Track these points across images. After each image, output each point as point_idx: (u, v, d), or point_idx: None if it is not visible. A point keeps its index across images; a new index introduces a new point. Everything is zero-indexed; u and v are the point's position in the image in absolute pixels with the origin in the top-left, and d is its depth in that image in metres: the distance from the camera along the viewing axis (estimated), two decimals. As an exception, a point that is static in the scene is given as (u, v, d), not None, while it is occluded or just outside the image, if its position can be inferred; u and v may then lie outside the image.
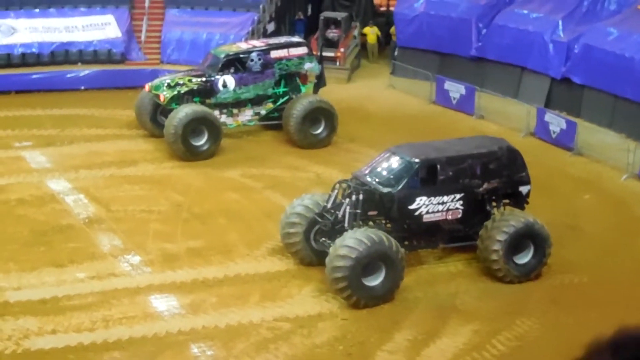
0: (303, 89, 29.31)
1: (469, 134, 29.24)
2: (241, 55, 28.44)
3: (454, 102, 32.55)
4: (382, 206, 19.45)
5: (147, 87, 28.41)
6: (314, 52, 30.29)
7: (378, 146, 23.20)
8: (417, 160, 19.48)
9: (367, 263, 18.12)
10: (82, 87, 34.03)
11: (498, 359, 16.81)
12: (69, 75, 34.12)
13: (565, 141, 28.16)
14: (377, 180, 19.57)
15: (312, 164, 26.79)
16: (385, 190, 19.28)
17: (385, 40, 40.49)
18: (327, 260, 18.33)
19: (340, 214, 19.26)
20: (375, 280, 18.35)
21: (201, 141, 26.90)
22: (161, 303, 18.61)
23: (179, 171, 26.15)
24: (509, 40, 33.66)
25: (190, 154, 26.68)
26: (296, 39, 31.10)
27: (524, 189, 20.44)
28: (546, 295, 19.29)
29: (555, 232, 20.17)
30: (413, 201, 19.23)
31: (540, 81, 32.60)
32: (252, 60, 28.35)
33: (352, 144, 28.41)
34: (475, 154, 19.96)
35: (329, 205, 19.62)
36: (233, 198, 24.24)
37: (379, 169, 19.90)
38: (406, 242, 19.58)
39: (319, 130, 28.37)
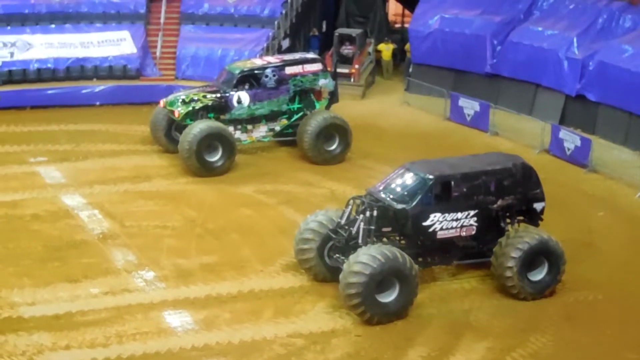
0: (317, 105, 29.34)
1: (483, 151, 29.20)
2: (256, 72, 28.51)
3: (469, 118, 32.52)
4: (396, 222, 19.43)
5: (161, 102, 28.51)
6: (329, 69, 30.33)
7: (392, 162, 23.18)
8: (431, 176, 19.47)
9: (381, 279, 18.09)
10: (98, 103, 34.17)
11: (512, 376, 16.76)
12: (84, 91, 34.26)
13: (579, 158, 28.10)
14: (391, 196, 19.56)
15: (326, 180, 26.78)
16: (400, 206, 19.27)
17: (400, 57, 40.53)
18: (340, 276, 18.31)
19: (354, 230, 19.26)
20: (389, 297, 18.32)
21: (215, 157, 26.95)
22: (175, 319, 18.59)
23: (193, 187, 26.19)
24: (523, 57, 33.64)
25: (204, 170, 26.72)
26: (311, 55, 31.17)
27: (538, 206, 20.39)
28: (560, 312, 19.20)
29: (569, 249, 20.12)
30: (427, 218, 19.21)
31: (555, 98, 32.56)
32: (266, 76, 28.42)
33: (366, 160, 28.37)
34: (490, 171, 19.93)
35: (342, 222, 19.62)
36: (247, 214, 24.25)
37: (393, 185, 19.89)
38: (420, 259, 19.54)
39: (333, 147, 28.38)
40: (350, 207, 19.76)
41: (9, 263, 20.87)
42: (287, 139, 29.16)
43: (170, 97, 28.46)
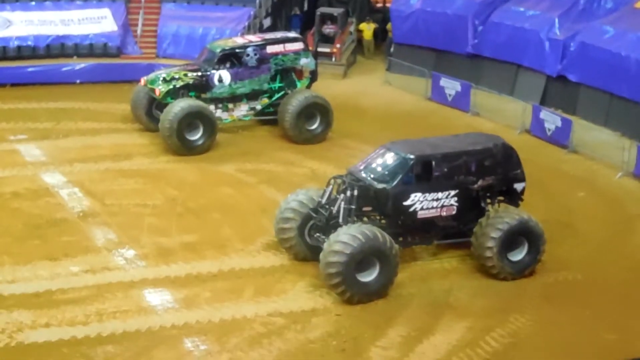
0: (299, 85, 29.28)
1: (464, 131, 29.24)
2: (237, 50, 28.41)
3: (450, 98, 32.55)
4: (377, 202, 19.45)
5: (142, 81, 28.37)
6: (310, 48, 30.27)
7: (373, 142, 23.16)
8: (411, 156, 19.47)
9: (361, 259, 18.11)
10: (78, 81, 34.01)
11: (492, 356, 16.82)
12: (64, 69, 34.10)
13: (560, 139, 28.19)
14: (371, 176, 19.55)
15: (307, 159, 26.77)
16: (380, 186, 19.27)
17: (381, 37, 40.48)
18: (321, 255, 18.33)
19: (334, 209, 19.26)
20: (369, 276, 18.34)
21: (196, 136, 26.88)
22: (155, 297, 18.58)
23: (174, 165, 26.13)
24: (505, 37, 33.68)
25: (185, 149, 26.66)
26: (292, 34, 31.08)
27: (518, 186, 20.44)
28: (540, 292, 19.30)
29: (549, 230, 20.19)
30: (407, 197, 19.22)
31: (536, 79, 32.63)
32: (248, 55, 28.33)
33: (347, 139, 28.37)
34: (470, 151, 19.94)
35: (323, 201, 19.62)
36: (228, 193, 24.23)
37: (373, 165, 19.88)
38: (400, 238, 19.56)
39: (314, 126, 28.36)
40: (331, 186, 19.76)
41: (-12, 241, 20.82)
42: (268, 117, 29.09)
43: (151, 76, 28.34)
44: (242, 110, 28.74)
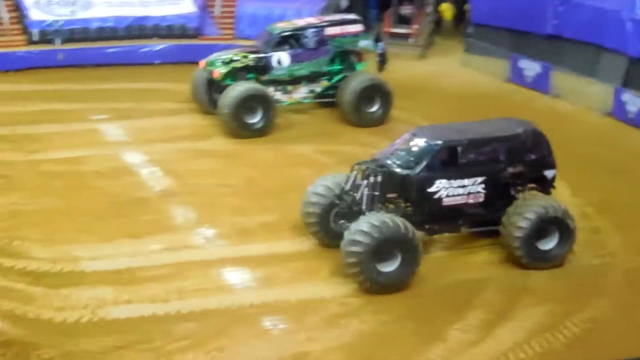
0: (358, 67, 29.05)
1: (544, 113, 29.04)
2: (296, 32, 28.33)
3: (529, 80, 32.20)
4: (401, 189, 18.96)
5: (202, 63, 28.42)
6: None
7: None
8: (437, 142, 18.99)
9: (381, 249, 17.72)
10: (157, 61, 34.41)
11: (571, 341, 16.62)
12: (143, 50, 34.53)
13: (643, 122, 27.73)
14: (396, 162, 19.11)
15: (386, 141, 26.51)
16: (404, 172, 18.84)
17: (459, 17, 40.17)
18: (342, 244, 17.96)
19: (358, 196, 18.88)
20: (390, 267, 17.92)
21: (255, 119, 26.83)
22: (234, 276, 18.76)
23: (251, 146, 26.27)
24: (585, 17, 33.08)
25: (243, 131, 26.61)
26: (351, 16, 30.68)
27: (549, 173, 19.75)
28: (621, 277, 18.98)
29: (631, 214, 19.94)
30: (432, 184, 18.71)
31: (618, 60, 32.01)
32: (306, 37, 28.22)
33: (425, 121, 27.90)
34: (499, 137, 19.36)
35: (347, 187, 19.21)
36: (305, 174, 24.19)
37: (399, 151, 19.40)
38: (427, 226, 19.16)
39: (374, 109, 28.16)
40: (355, 172, 19.30)
41: (71, 219, 21.19)
42: (328, 100, 28.91)
43: (211, 57, 28.34)
44: (301, 92, 28.65)
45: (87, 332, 16.54)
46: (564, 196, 22.70)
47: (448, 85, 32.88)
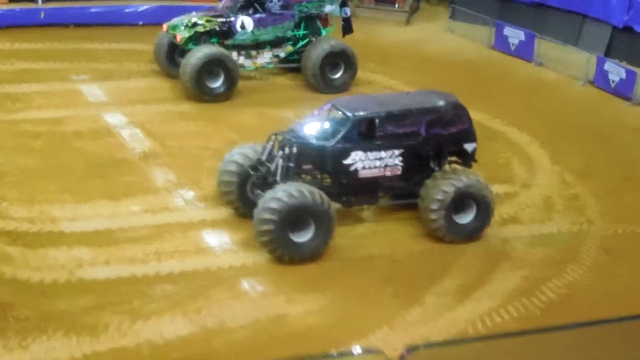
0: (323, 32, 28.67)
1: (527, 81, 29.09)
2: None
3: (513, 48, 32.17)
4: (317, 160, 18.78)
5: (164, 26, 28.08)
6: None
7: (434, 90, 22.98)
8: (354, 114, 18.75)
9: (293, 218, 17.54)
10: (140, 22, 34.11)
11: (547, 306, 16.76)
12: (127, 10, 34.20)
13: (624, 91, 27.78)
14: (313, 133, 18.93)
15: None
16: (320, 144, 18.67)
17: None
18: (254, 212, 17.77)
19: (273, 167, 18.69)
20: (303, 237, 17.78)
21: (217, 83, 26.55)
22: (213, 238, 18.76)
23: (234, 109, 26.17)
24: (570, -14, 33.12)
25: (205, 96, 26.35)
26: None
27: (469, 147, 19.43)
28: (599, 244, 19.14)
29: (610, 182, 20.03)
30: (348, 156, 18.52)
31: (601, 29, 32.08)
32: (271, 1, 27.76)
33: (409, 87, 28.15)
34: (418, 109, 19.06)
35: (263, 158, 19.01)
36: (286, 137, 24.22)
37: (317, 122, 19.22)
38: (344, 198, 19.06)
39: (338, 75, 27.92)
40: (271, 142, 19.08)
41: (51, 179, 21.08)
42: (292, 65, 28.61)
43: (174, 21, 27.87)
44: (265, 57, 28.14)
45: (64, 293, 16.50)
46: (543, 164, 22.87)
47: (432, 51, 32.82)
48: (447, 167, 19.42)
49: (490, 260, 18.34)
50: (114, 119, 24.95)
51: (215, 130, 24.55)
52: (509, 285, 17.38)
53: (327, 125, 19.11)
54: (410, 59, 31.00)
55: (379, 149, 18.66)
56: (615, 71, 28.24)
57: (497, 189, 21.29)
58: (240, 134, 24.18)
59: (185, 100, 26.58)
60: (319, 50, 27.61)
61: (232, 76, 26.71)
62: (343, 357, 11.86)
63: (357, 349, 13.98)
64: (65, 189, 20.51)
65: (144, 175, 21.58)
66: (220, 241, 18.66)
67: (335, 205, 18.33)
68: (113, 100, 26.46)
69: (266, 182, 18.63)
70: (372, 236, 19.07)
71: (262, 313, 16.21)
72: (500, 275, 17.78)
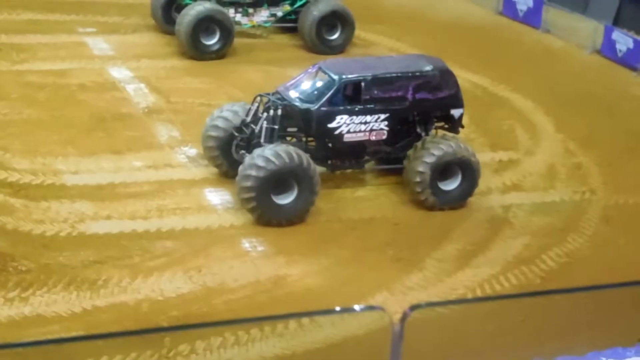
0: None
1: (534, 48, 28.94)
2: None
3: (521, 14, 31.97)
4: (302, 123, 18.68)
5: None
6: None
7: (440, 57, 22.90)
8: (340, 77, 18.60)
9: (276, 180, 17.48)
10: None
11: (547, 274, 16.80)
12: (135, -36, 33.94)
13: (631, 61, 27.63)
14: (298, 95, 18.79)
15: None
16: (304, 106, 18.52)
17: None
18: (237, 177, 17.70)
19: (257, 128, 18.59)
20: (286, 199, 17.73)
21: (212, 40, 26.33)
22: (215, 197, 18.76)
23: (241, 67, 26.06)
24: (581, -47, 32.84)
25: (199, 53, 26.14)
26: None
27: (456, 112, 19.28)
28: (600, 214, 19.14)
29: (614, 152, 20.01)
30: (333, 119, 18.41)
31: (610, -2, 31.89)
32: None
33: (412, 49, 27.79)
34: (405, 74, 18.89)
35: (248, 119, 18.86)
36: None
37: (303, 85, 19.05)
38: (329, 162, 18.98)
39: (335, 36, 27.68)
40: (256, 104, 18.95)
41: (54, 131, 21.08)
42: (289, 25, 28.33)
43: None
44: (262, 15, 27.86)
45: (65, 246, 16.56)
46: (547, 131, 22.83)
47: (439, 15, 32.56)
48: (433, 131, 19.32)
49: (492, 226, 18.37)
50: (119, 73, 24.89)
51: (220, 87, 24.47)
52: (509, 253, 17.42)
53: (312, 87, 18.93)
54: (417, 22, 30.79)
55: (364, 112, 18.55)
56: (623, 41, 28.09)
57: (500, 155, 21.41)
58: (245, 92, 24.06)
59: (191, 56, 26.41)
60: (316, 11, 27.36)
61: (228, 34, 26.44)
62: (345, 313, 11.89)
63: (359, 307, 14.00)
64: (69, 142, 20.50)
65: (148, 131, 21.55)
66: (222, 199, 18.65)
67: (320, 169, 18.32)
68: (118, 54, 26.35)
69: (250, 144, 18.52)
70: (374, 199, 19.08)
71: (262, 273, 16.25)
72: (501, 242, 17.81)
